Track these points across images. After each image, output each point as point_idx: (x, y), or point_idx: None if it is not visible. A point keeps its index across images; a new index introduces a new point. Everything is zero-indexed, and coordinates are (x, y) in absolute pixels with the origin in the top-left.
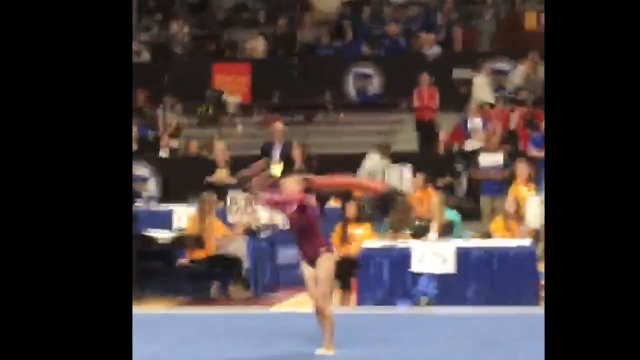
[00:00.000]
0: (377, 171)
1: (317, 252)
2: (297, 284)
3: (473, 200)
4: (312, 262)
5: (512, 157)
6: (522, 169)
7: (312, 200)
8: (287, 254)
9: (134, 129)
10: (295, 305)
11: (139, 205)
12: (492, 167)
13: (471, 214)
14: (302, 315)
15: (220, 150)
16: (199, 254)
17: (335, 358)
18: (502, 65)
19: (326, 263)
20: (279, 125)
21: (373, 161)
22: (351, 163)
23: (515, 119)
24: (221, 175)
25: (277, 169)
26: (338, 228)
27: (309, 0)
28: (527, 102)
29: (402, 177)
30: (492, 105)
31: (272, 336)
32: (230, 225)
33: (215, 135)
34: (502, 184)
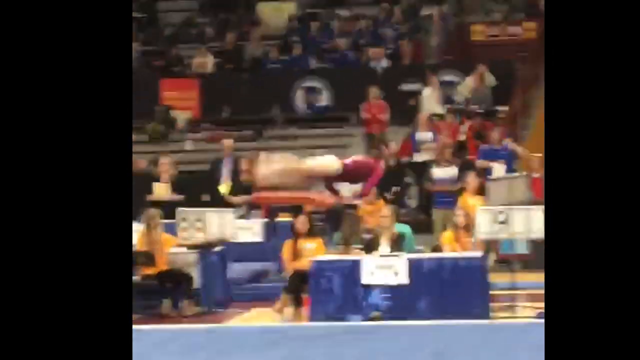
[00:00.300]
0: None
1: None
2: (249, 299)
3: (424, 213)
4: None
5: (462, 169)
6: (471, 180)
7: None
8: (238, 268)
9: None
10: (247, 320)
11: None
12: (445, 180)
13: (422, 226)
14: (253, 330)
15: (164, 166)
16: (149, 270)
17: None
18: (451, 77)
19: None
20: (228, 142)
21: None
22: None
23: (464, 131)
24: (161, 191)
25: (225, 186)
26: (288, 243)
27: (257, 16)
28: (475, 114)
29: (353, 191)
30: (441, 117)
31: (224, 352)
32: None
33: (164, 151)
34: (455, 196)
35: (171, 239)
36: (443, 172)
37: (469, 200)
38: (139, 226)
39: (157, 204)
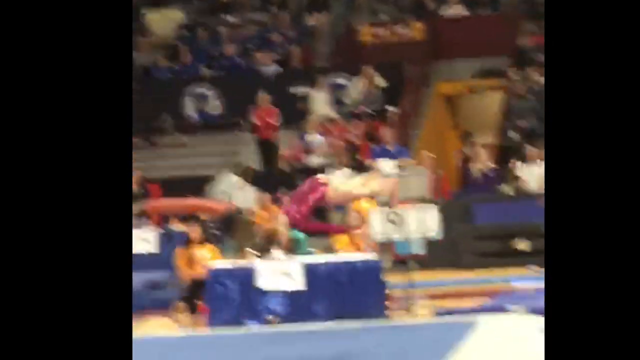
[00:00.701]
0: (229, 192)
1: None
2: (145, 308)
3: (319, 216)
4: None
5: (355, 171)
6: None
7: None
8: (133, 279)
9: None
10: (144, 330)
11: None
12: None
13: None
14: (151, 340)
15: None
16: None
17: None
18: (340, 80)
19: None
20: None
21: (228, 182)
22: (195, 185)
23: (355, 133)
24: None
25: None
26: (181, 251)
27: (145, 24)
28: (366, 115)
29: (247, 197)
30: (332, 120)
31: None
32: None
33: None
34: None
35: None
36: (342, 175)
37: (362, 202)
38: None
39: None
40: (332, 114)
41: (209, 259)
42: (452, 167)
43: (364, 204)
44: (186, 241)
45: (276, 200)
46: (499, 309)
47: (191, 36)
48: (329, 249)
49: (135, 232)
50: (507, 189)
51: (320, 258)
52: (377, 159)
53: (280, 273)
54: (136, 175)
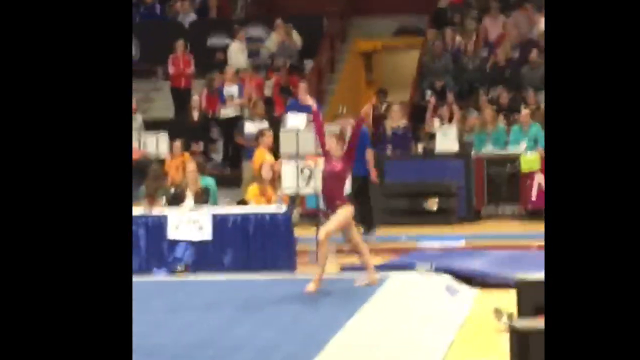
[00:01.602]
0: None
1: (336, 204)
2: None
3: (231, 167)
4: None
5: (271, 124)
6: (266, 135)
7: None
8: None
9: None
10: None
11: None
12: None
13: (229, 180)
14: None
15: None
16: None
17: None
18: (257, 32)
19: (343, 212)
20: None
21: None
22: None
23: (270, 85)
24: None
25: None
26: None
27: None
28: (281, 69)
29: (158, 145)
30: (247, 72)
31: None
32: None
33: None
34: None
35: None
36: (254, 127)
37: (265, 155)
38: None
39: None
40: (247, 66)
41: None
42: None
43: (266, 156)
44: None
45: (188, 149)
46: (405, 267)
47: None
48: (241, 200)
49: None
50: (419, 147)
51: (229, 209)
52: (290, 112)
53: (189, 223)
54: None
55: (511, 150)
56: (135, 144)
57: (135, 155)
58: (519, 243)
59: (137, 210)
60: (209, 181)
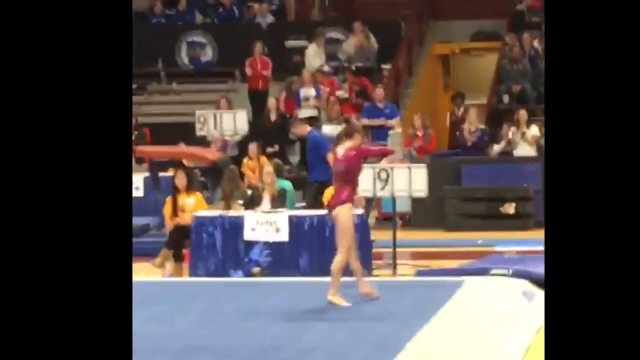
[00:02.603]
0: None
1: (336, 203)
2: None
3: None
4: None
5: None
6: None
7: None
8: None
9: None
10: None
11: None
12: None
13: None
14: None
15: None
16: None
17: (165, 328)
18: (336, 34)
19: (340, 217)
20: None
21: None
22: (184, 132)
23: (347, 89)
24: None
25: None
26: (169, 198)
27: None
28: (359, 72)
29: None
30: (325, 74)
31: None
32: None
33: None
34: None
35: None
36: (332, 129)
37: None
38: None
39: None
40: (326, 68)
41: (195, 207)
42: (443, 128)
43: None
44: (173, 188)
45: (265, 151)
46: (482, 271)
47: None
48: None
49: None
50: (496, 151)
51: (306, 211)
52: (368, 117)
53: (266, 224)
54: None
55: None
56: (213, 147)
57: (212, 157)
58: None
59: (214, 212)
60: (286, 184)
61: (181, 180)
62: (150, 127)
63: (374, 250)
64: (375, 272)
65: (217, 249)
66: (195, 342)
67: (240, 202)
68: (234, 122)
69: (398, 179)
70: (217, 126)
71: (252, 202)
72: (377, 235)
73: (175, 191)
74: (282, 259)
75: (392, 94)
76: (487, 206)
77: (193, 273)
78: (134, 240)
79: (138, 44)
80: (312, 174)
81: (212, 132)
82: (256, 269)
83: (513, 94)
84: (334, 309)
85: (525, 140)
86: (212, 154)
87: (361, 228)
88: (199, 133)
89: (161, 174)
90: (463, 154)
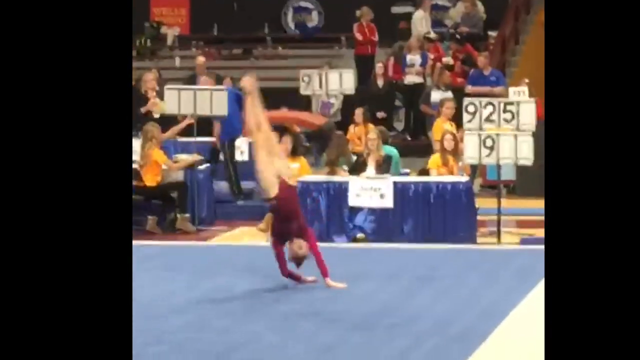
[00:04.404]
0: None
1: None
2: (234, 217)
3: (413, 136)
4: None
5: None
6: (447, 106)
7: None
8: (224, 187)
9: None
10: (232, 238)
11: None
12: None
13: (411, 149)
14: (238, 249)
15: (148, 81)
16: (138, 185)
17: (271, 292)
18: (442, 1)
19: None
20: (200, 59)
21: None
22: (289, 97)
23: (452, 55)
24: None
25: None
26: None
27: None
28: (465, 39)
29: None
30: (431, 41)
31: (208, 269)
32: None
33: (152, 67)
34: None
35: (162, 156)
36: (440, 96)
37: (444, 125)
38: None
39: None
40: (432, 34)
41: (299, 172)
42: None
43: (446, 126)
44: None
45: (371, 117)
46: None
47: None
48: (422, 170)
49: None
50: None
51: (411, 178)
52: (474, 84)
53: (370, 190)
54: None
55: None
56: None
57: (318, 122)
58: None
59: (318, 177)
60: (391, 150)
61: (286, 145)
62: None
63: (479, 217)
64: (479, 239)
65: (321, 214)
66: (301, 307)
67: (345, 167)
68: (339, 81)
69: (504, 146)
70: (322, 85)
71: (357, 168)
72: (481, 203)
73: None
74: (386, 225)
75: (498, 62)
76: None
77: None
78: (239, 203)
79: (245, 9)
80: None
81: (316, 91)
82: (360, 235)
83: None
84: (439, 277)
85: None
86: (318, 118)
87: (466, 195)
88: (303, 92)
89: None
90: None
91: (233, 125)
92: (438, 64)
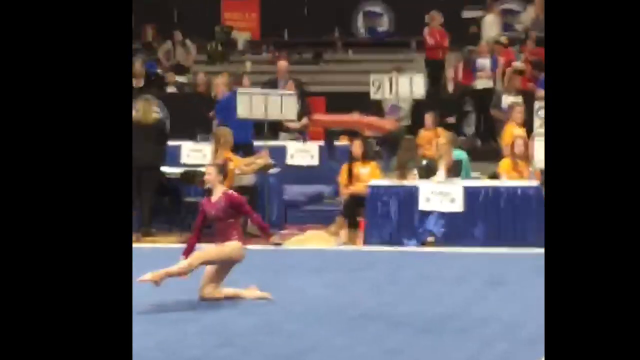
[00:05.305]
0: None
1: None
2: (304, 221)
3: (483, 140)
4: None
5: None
6: (517, 111)
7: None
8: (295, 191)
9: (138, 64)
10: (302, 242)
11: None
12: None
13: (481, 154)
14: (309, 252)
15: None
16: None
17: (340, 296)
18: (512, 5)
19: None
20: (282, 64)
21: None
22: (359, 101)
23: (523, 60)
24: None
25: None
26: (344, 167)
27: None
28: (535, 43)
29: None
30: (501, 45)
31: (280, 272)
32: None
33: (224, 71)
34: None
35: (235, 159)
36: (510, 100)
37: (514, 130)
38: (199, 145)
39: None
40: (502, 38)
41: (369, 176)
42: None
43: (515, 131)
44: (348, 157)
45: (441, 122)
46: None
47: None
48: (492, 174)
49: (297, 145)
50: None
51: (481, 182)
52: (543, 88)
53: (440, 195)
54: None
55: None
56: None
57: (388, 126)
58: None
59: (389, 181)
60: (461, 154)
61: (358, 149)
62: (325, 95)
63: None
64: None
65: (391, 218)
66: (370, 310)
67: (416, 172)
68: (410, 85)
69: None
70: (393, 90)
71: (427, 173)
72: None
73: (351, 160)
74: (456, 229)
75: None
76: None
77: (367, 241)
78: (309, 207)
79: (315, 14)
80: None
81: (387, 95)
82: (430, 238)
83: None
84: (508, 281)
85: None
86: (388, 123)
87: (536, 199)
88: (373, 97)
89: (336, 142)
90: None
91: None
92: (508, 69)
